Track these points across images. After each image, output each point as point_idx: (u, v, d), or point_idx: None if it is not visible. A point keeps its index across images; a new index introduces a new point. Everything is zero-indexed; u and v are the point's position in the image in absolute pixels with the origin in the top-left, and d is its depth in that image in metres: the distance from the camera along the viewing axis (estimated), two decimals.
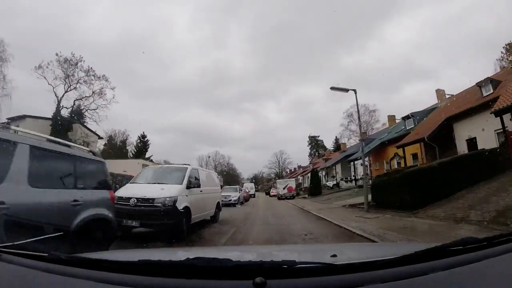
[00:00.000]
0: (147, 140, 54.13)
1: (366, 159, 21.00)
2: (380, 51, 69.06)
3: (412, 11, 64.71)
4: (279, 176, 67.04)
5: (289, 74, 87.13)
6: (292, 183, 32.90)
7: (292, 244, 5.28)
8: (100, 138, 35.73)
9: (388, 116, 30.06)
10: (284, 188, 30.53)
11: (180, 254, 1.78)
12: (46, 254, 1.03)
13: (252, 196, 33.93)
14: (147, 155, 48.20)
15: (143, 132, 53.75)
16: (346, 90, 12.15)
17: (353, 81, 74.50)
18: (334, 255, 1.11)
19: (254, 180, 73.97)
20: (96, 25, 57.34)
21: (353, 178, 30.46)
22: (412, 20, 66.39)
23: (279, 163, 75.27)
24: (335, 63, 74.65)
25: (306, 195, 29.09)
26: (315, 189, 28.18)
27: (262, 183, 78.53)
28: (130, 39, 63.72)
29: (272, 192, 40.77)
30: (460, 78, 51.54)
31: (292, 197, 29.11)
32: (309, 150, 71.19)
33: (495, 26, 46.12)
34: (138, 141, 52.43)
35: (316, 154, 67.04)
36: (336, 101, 79.64)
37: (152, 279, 0.87)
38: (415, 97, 61.40)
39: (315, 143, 69.97)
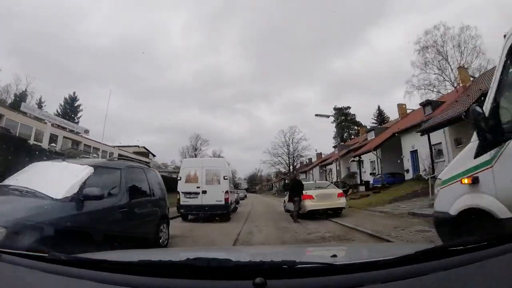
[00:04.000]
0: (79, 106, 34.86)
1: None
2: (372, 56, 68.43)
3: (401, 16, 63.85)
4: (288, 172, 44.51)
5: (282, 76, 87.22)
6: None
7: (292, 245, 5.29)
8: None
9: (459, 68, 18.82)
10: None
11: (180, 254, 1.78)
12: (46, 255, 1.03)
13: (236, 207, 14.17)
14: (80, 131, 27.72)
15: (74, 93, 34.63)
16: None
17: (348, 84, 73.98)
18: (334, 255, 1.12)
19: (254, 181, 66.64)
20: (95, 29, 57.83)
21: None
22: (402, 26, 65.71)
23: (288, 147, 47.00)
24: (327, 66, 73.99)
25: None
26: None
27: (260, 183, 69.77)
28: (128, 42, 64.16)
29: (310, 197, 9.48)
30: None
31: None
32: (335, 130, 39.19)
33: (484, 32, 45.44)
34: (65, 105, 34.47)
35: (349, 133, 44.78)
36: (335, 100, 79.26)
37: (152, 279, 0.87)
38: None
39: (343, 119, 45.06)
